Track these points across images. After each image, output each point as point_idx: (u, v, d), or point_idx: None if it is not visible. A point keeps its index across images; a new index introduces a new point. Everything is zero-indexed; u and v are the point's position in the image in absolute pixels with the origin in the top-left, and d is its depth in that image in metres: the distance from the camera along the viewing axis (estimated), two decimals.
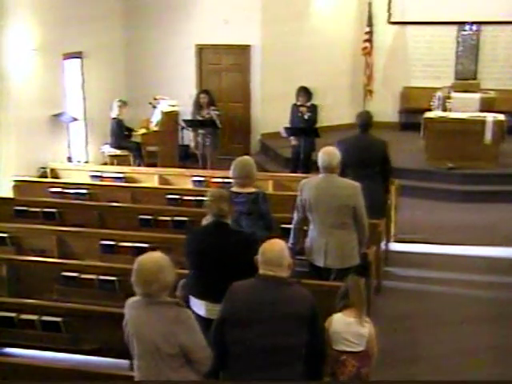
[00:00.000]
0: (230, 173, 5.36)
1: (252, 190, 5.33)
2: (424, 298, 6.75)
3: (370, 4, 12.70)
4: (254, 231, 5.06)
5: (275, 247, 3.71)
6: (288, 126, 9.94)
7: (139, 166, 10.31)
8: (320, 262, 5.33)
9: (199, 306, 4.47)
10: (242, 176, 5.28)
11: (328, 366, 4.09)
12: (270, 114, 11.68)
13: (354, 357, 4.13)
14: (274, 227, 5.42)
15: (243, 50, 12.04)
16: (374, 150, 6.76)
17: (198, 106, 10.58)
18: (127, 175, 8.87)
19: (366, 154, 6.65)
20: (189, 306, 4.37)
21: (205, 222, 4.90)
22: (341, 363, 4.12)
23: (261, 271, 3.68)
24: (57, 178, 9.04)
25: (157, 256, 3.58)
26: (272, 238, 3.91)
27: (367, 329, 4.19)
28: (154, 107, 11.17)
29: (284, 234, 5.33)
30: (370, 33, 12.72)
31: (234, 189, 5.31)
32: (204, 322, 4.18)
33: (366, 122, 6.92)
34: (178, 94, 11.40)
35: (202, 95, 10.59)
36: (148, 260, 3.55)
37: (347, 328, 4.14)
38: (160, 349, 3.49)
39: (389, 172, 6.88)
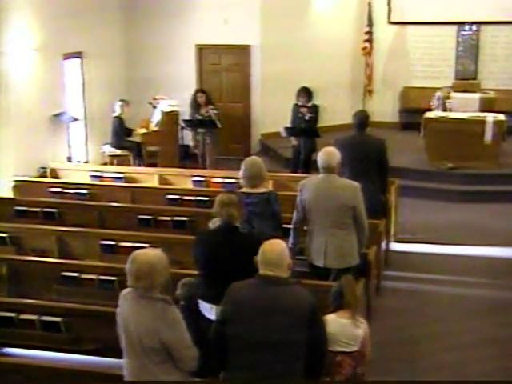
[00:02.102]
0: (240, 173, 5.33)
1: (264, 189, 5.32)
2: (424, 298, 6.74)
3: (369, 4, 12.71)
4: (263, 231, 5.06)
5: (275, 247, 3.71)
6: (288, 125, 9.94)
7: (139, 165, 10.31)
8: (320, 262, 5.33)
9: (209, 310, 4.43)
10: (253, 176, 5.26)
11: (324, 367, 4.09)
12: (270, 114, 11.69)
13: (349, 357, 4.12)
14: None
15: (243, 50, 12.04)
16: (372, 149, 6.75)
17: (195, 105, 10.60)
18: (127, 175, 8.87)
19: (363, 153, 6.64)
20: (188, 306, 4.37)
21: (211, 225, 4.89)
22: (337, 364, 4.11)
23: (260, 271, 3.67)
24: (57, 178, 9.04)
25: (152, 255, 3.60)
26: (274, 238, 3.92)
27: (362, 330, 4.17)
28: (154, 107, 11.17)
29: (284, 234, 5.32)
30: (370, 33, 12.73)
31: (245, 189, 5.29)
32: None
33: (362, 121, 6.91)
34: (178, 94, 11.40)
35: (199, 94, 10.62)
36: (142, 257, 3.58)
37: (342, 330, 4.12)
38: (143, 342, 3.53)
39: (386, 172, 6.87)
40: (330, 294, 4.28)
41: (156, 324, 3.52)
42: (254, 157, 5.60)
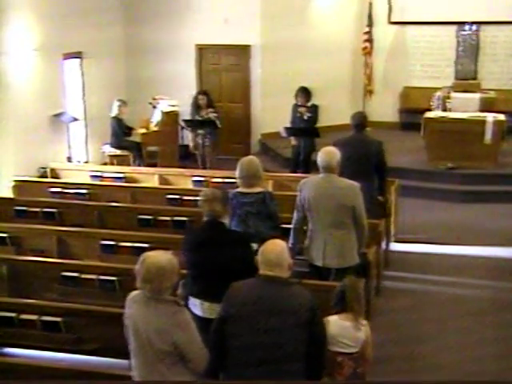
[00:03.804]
0: (236, 173, 5.33)
1: (259, 189, 5.32)
2: (423, 298, 6.74)
3: (370, 4, 12.70)
4: (260, 231, 5.06)
5: (276, 247, 3.71)
6: (288, 125, 9.94)
7: (139, 165, 10.31)
8: (319, 262, 5.33)
9: (196, 305, 4.47)
10: (249, 176, 5.27)
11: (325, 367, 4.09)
12: (270, 114, 11.68)
13: (350, 358, 4.12)
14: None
15: (243, 50, 12.04)
16: (370, 150, 6.77)
17: (196, 106, 10.60)
18: (127, 175, 8.87)
19: (362, 154, 6.66)
20: (188, 305, 4.38)
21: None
22: (337, 364, 4.11)
23: (261, 271, 3.68)
24: (57, 178, 9.04)
25: (161, 258, 3.56)
26: (274, 237, 3.92)
27: (363, 332, 4.17)
28: (154, 107, 11.17)
29: (284, 234, 5.32)
30: (370, 33, 12.71)
31: (241, 189, 5.30)
32: (201, 321, 4.18)
33: (360, 122, 6.95)
34: (178, 94, 11.40)
35: (201, 96, 10.61)
36: (150, 260, 3.54)
37: (343, 332, 4.11)
38: (153, 345, 3.51)
39: (384, 172, 6.89)
40: (333, 294, 4.25)
41: (167, 326, 3.49)
42: (250, 156, 5.59)
